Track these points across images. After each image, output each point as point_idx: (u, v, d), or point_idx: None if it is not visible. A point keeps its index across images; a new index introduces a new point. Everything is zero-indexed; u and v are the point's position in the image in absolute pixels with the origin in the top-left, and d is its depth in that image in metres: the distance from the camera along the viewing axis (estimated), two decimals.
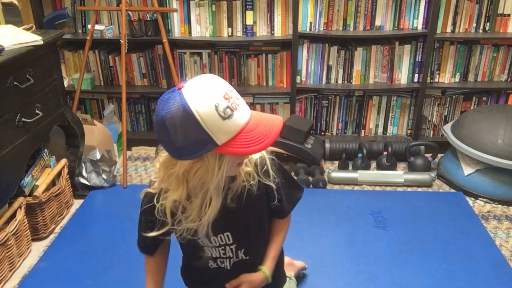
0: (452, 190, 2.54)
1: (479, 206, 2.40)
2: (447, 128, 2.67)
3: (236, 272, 1.28)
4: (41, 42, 2.05)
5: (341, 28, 2.78)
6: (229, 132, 0.96)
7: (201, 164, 1.02)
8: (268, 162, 1.18)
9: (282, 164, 1.26)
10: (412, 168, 2.70)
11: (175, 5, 2.74)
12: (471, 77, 2.88)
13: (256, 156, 1.16)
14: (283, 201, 1.26)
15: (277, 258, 1.32)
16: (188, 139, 0.96)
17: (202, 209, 1.09)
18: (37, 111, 2.08)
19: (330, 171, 2.63)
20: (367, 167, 2.70)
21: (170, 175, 1.07)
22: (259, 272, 1.28)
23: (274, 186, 1.19)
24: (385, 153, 2.75)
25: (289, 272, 1.76)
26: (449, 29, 2.75)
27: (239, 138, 0.97)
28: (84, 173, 2.49)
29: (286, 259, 1.79)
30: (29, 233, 2.08)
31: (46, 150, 2.25)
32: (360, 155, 2.74)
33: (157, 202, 1.13)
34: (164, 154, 1.09)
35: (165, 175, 1.09)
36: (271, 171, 1.18)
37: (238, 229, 1.21)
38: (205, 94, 0.95)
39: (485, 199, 2.43)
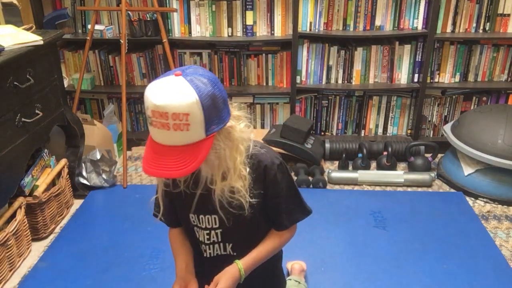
0: (452, 190, 2.54)
1: (479, 206, 2.40)
2: (447, 128, 2.67)
3: (221, 266, 1.24)
4: (41, 42, 2.05)
5: (341, 28, 2.78)
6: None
7: None
8: (270, 167, 1.17)
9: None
10: (412, 168, 2.70)
11: (175, 5, 2.74)
12: (471, 77, 2.88)
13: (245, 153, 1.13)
14: (282, 214, 1.24)
15: (258, 262, 1.25)
16: None
17: None
18: (37, 111, 2.08)
19: (330, 171, 2.63)
20: (367, 167, 2.70)
21: None
22: (232, 265, 1.22)
23: (261, 192, 1.18)
24: (385, 153, 2.75)
25: (301, 277, 1.80)
26: (449, 29, 2.75)
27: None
28: (84, 173, 2.49)
29: (298, 266, 1.83)
30: (29, 233, 2.08)
31: (46, 150, 2.25)
32: (360, 155, 2.74)
33: None
34: None
35: None
36: (269, 178, 1.18)
37: (226, 216, 1.18)
38: None
39: (485, 199, 2.43)
